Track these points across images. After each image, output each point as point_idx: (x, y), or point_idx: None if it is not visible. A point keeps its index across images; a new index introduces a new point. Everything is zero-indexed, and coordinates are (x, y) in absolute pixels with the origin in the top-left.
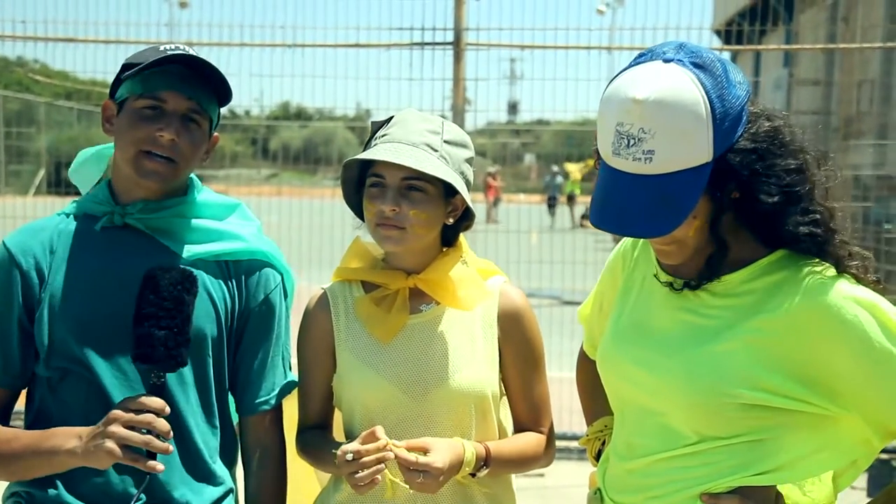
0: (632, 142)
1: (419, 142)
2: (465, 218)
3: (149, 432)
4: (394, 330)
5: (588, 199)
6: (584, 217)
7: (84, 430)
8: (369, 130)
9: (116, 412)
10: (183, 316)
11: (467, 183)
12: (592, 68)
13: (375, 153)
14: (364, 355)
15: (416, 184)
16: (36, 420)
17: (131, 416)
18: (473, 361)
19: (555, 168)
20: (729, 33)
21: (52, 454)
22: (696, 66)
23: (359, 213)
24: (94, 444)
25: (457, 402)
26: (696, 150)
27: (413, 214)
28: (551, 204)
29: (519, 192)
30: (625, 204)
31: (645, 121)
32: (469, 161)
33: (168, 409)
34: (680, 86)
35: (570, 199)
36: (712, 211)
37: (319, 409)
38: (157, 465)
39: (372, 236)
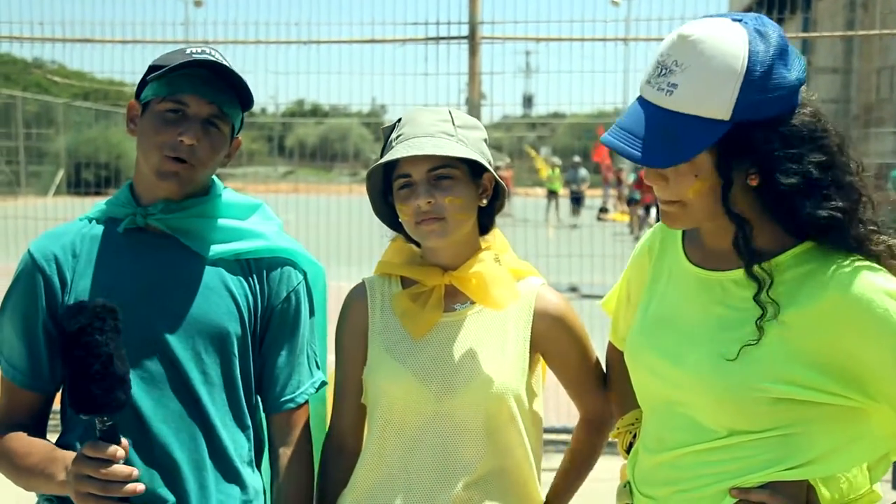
0: (663, 72)
1: (434, 131)
2: (497, 197)
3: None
4: (426, 326)
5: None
6: (601, 210)
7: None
8: (384, 127)
9: (74, 464)
10: (101, 359)
11: (489, 161)
12: (609, 60)
13: (395, 153)
14: (394, 348)
15: (443, 172)
16: (69, 427)
17: (86, 468)
18: (501, 365)
19: (576, 158)
20: None
21: (49, 479)
22: (758, 31)
23: (389, 222)
24: (70, 488)
25: (479, 404)
26: (715, 101)
27: (448, 202)
28: (576, 198)
29: (535, 186)
30: (632, 127)
31: (681, 55)
32: (485, 141)
33: (122, 453)
34: (727, 36)
35: (552, 195)
36: (721, 183)
37: (352, 410)
38: None
39: (414, 236)
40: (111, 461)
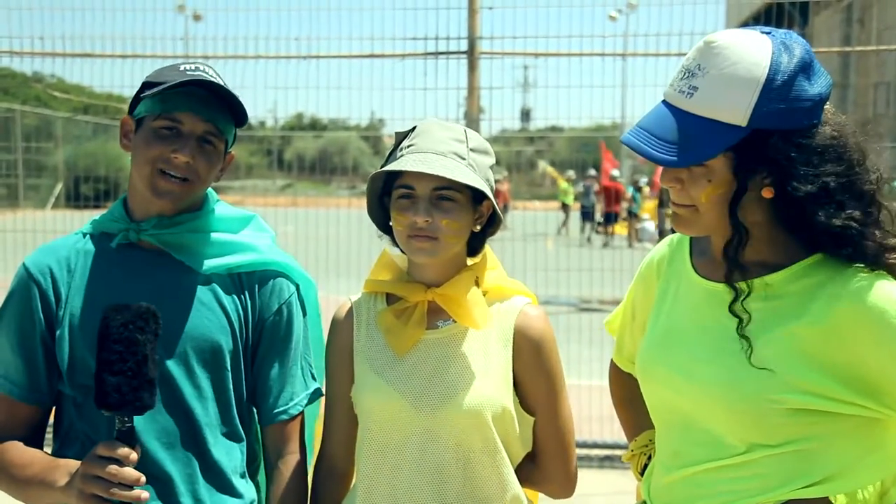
0: (686, 75)
1: (447, 151)
2: (491, 223)
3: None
4: (409, 343)
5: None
6: (599, 224)
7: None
8: (384, 140)
9: (84, 464)
10: (137, 358)
11: (491, 189)
12: (607, 75)
13: (405, 164)
14: (378, 366)
15: (446, 193)
16: (65, 441)
17: (96, 468)
18: (485, 383)
19: (592, 172)
20: None
21: (51, 487)
22: (783, 44)
23: (380, 224)
24: (71, 492)
25: (464, 422)
26: (733, 106)
27: (445, 224)
28: (587, 212)
29: (534, 199)
30: (651, 127)
31: (705, 59)
32: (492, 167)
33: (135, 456)
34: (752, 45)
35: (565, 207)
36: (734, 190)
37: (342, 431)
38: None
39: (403, 248)
40: (121, 463)
